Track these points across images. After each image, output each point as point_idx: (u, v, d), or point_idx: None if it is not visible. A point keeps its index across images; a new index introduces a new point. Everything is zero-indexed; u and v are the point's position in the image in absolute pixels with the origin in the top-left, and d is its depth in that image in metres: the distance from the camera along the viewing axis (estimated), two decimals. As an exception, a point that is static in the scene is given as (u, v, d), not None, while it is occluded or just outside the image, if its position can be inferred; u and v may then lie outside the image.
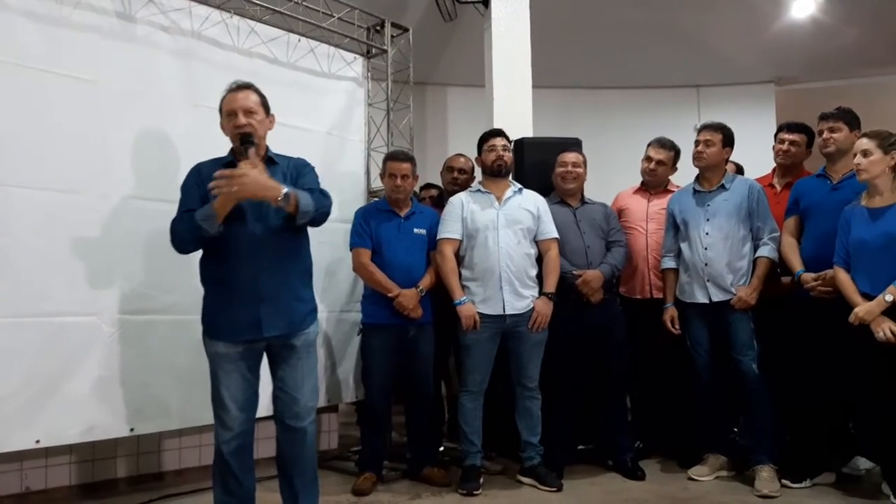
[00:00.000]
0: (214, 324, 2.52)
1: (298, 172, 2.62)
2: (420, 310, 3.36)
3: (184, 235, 2.47)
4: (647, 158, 3.82)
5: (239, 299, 2.48)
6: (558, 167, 3.65)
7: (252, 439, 2.58)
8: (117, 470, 3.29)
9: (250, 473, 2.57)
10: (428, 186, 4.45)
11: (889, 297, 2.79)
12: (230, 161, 2.54)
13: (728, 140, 3.46)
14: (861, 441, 3.38)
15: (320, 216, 2.56)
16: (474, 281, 3.38)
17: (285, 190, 2.37)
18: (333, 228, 2.73)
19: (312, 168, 2.70)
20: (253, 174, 2.35)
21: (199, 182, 2.50)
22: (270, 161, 2.58)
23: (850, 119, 3.27)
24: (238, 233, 2.46)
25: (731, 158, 3.96)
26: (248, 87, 2.57)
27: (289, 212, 2.42)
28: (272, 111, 2.65)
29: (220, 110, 2.58)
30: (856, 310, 2.87)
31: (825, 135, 3.29)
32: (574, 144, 3.81)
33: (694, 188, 3.53)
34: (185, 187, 2.55)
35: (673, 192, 3.78)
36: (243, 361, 2.51)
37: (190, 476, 3.43)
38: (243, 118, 2.48)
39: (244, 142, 2.45)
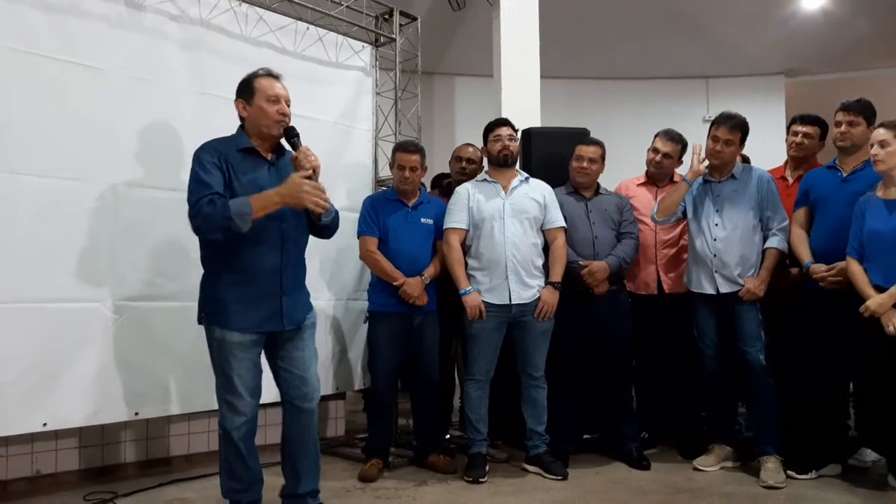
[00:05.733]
0: (230, 314, 2.46)
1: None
2: (426, 297, 3.38)
3: (214, 223, 2.32)
4: (654, 150, 3.79)
5: (263, 291, 2.48)
6: (574, 160, 3.62)
7: (257, 425, 2.60)
8: (126, 454, 3.32)
9: (257, 458, 2.59)
10: (447, 175, 4.42)
11: None
12: (249, 147, 2.50)
13: (745, 137, 3.40)
14: (867, 433, 3.38)
15: (333, 226, 2.67)
16: (480, 270, 3.39)
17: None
18: (341, 217, 2.77)
19: None
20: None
21: (217, 163, 2.42)
22: (282, 149, 2.61)
23: (868, 114, 3.23)
24: (271, 225, 2.45)
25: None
26: (279, 77, 2.59)
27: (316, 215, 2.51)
28: None
29: (254, 90, 2.50)
30: (867, 302, 2.85)
31: (843, 128, 3.22)
32: (582, 135, 3.79)
33: (704, 178, 3.49)
34: (206, 166, 2.40)
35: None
36: (255, 349, 2.53)
37: (198, 461, 3.47)
38: (285, 107, 2.52)
39: (293, 134, 2.50)
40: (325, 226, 2.62)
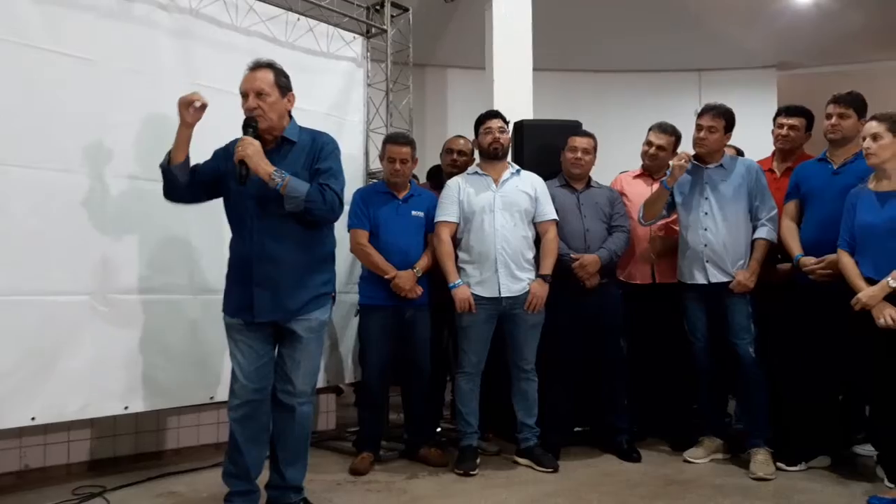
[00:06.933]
0: (225, 297, 2.62)
1: (317, 155, 2.60)
2: (417, 290, 3.37)
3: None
4: (648, 143, 3.80)
5: (239, 279, 2.55)
6: (568, 151, 3.62)
7: (264, 413, 2.59)
8: (116, 448, 3.31)
9: (256, 447, 2.58)
10: (439, 168, 4.40)
11: (893, 283, 2.75)
12: None
13: (730, 125, 3.42)
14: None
15: (316, 210, 2.48)
16: (470, 264, 3.38)
17: (279, 175, 2.42)
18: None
19: (334, 151, 2.64)
20: (256, 146, 2.45)
21: (220, 154, 2.64)
22: (286, 141, 2.59)
23: (859, 106, 3.23)
24: (242, 217, 2.54)
25: (732, 143, 3.94)
26: (265, 66, 2.58)
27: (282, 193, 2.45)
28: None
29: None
30: (858, 295, 2.85)
31: (833, 120, 3.23)
32: (574, 127, 3.79)
33: (692, 163, 3.47)
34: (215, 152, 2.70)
35: None
36: (249, 332, 2.56)
37: (188, 455, 3.46)
38: (253, 101, 2.51)
39: (246, 125, 2.50)
40: (302, 213, 2.48)
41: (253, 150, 2.43)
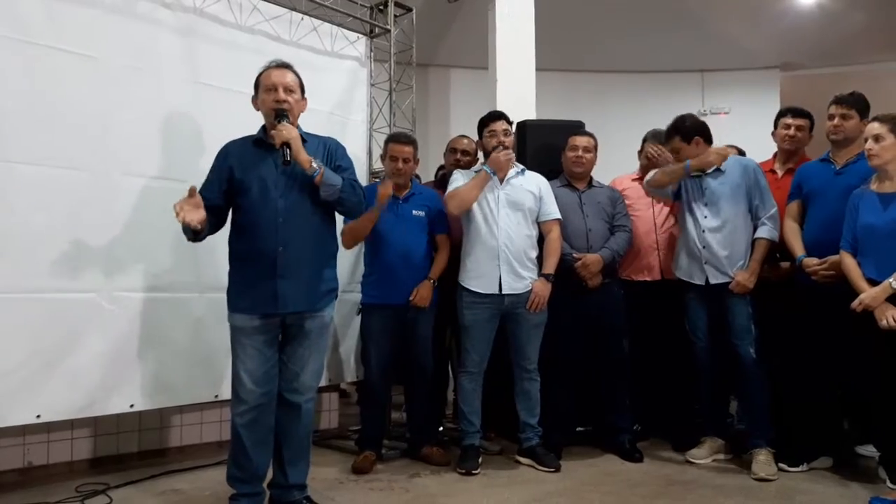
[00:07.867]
0: (235, 296, 2.58)
1: (332, 155, 2.68)
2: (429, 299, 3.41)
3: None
4: (647, 156, 3.79)
5: (259, 273, 2.53)
6: (569, 151, 3.63)
7: (269, 416, 2.60)
8: (119, 446, 3.32)
9: (263, 449, 2.59)
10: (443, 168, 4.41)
11: (895, 284, 2.75)
12: (260, 138, 2.63)
13: (687, 132, 3.39)
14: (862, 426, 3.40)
15: (347, 201, 2.60)
16: (471, 258, 3.37)
17: (318, 163, 2.50)
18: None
19: (346, 153, 2.76)
20: (296, 132, 2.52)
21: (221, 165, 2.61)
22: (301, 140, 2.62)
23: (862, 107, 3.23)
24: (262, 207, 2.53)
25: (733, 144, 3.94)
26: (287, 66, 2.65)
27: (316, 182, 2.51)
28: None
29: (257, 86, 2.64)
30: (861, 296, 2.84)
31: (836, 121, 3.23)
32: (577, 128, 3.79)
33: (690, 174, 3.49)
34: (212, 170, 2.64)
35: None
36: (259, 336, 2.55)
37: (191, 452, 3.47)
38: (283, 94, 2.57)
39: (279, 116, 2.54)
40: (335, 202, 2.59)
41: (296, 134, 2.50)
